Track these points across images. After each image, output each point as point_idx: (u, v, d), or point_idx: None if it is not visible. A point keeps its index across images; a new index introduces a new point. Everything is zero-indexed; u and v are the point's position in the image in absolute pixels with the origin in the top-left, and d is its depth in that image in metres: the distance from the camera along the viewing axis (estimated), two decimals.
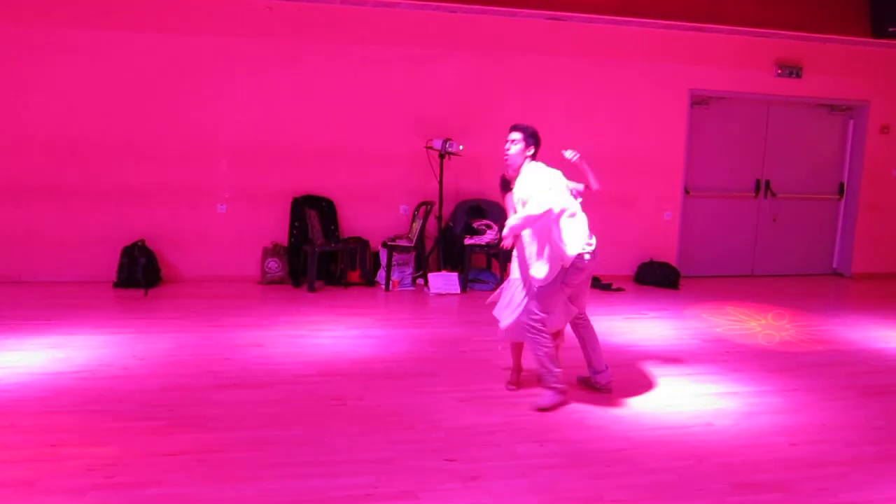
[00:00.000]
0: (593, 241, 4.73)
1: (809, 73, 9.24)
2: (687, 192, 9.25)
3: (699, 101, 9.18)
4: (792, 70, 9.16)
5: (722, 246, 9.59)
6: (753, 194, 9.59)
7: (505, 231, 4.61)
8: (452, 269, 8.17)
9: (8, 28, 7.35)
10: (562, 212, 4.61)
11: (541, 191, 4.58)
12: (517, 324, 4.82)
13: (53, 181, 7.60)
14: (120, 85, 7.63)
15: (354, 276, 8.12)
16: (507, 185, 4.91)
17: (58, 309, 6.62)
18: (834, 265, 10.05)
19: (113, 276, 7.61)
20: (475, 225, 8.17)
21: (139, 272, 7.49)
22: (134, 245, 7.62)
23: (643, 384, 5.27)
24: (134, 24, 7.57)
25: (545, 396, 4.76)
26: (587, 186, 4.98)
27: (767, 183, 9.60)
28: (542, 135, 4.80)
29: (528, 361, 5.05)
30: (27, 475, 3.57)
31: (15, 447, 3.88)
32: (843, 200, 9.94)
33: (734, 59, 9.02)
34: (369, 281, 8.17)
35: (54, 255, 7.66)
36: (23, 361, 5.19)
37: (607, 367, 5.05)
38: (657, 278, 8.81)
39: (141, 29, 7.59)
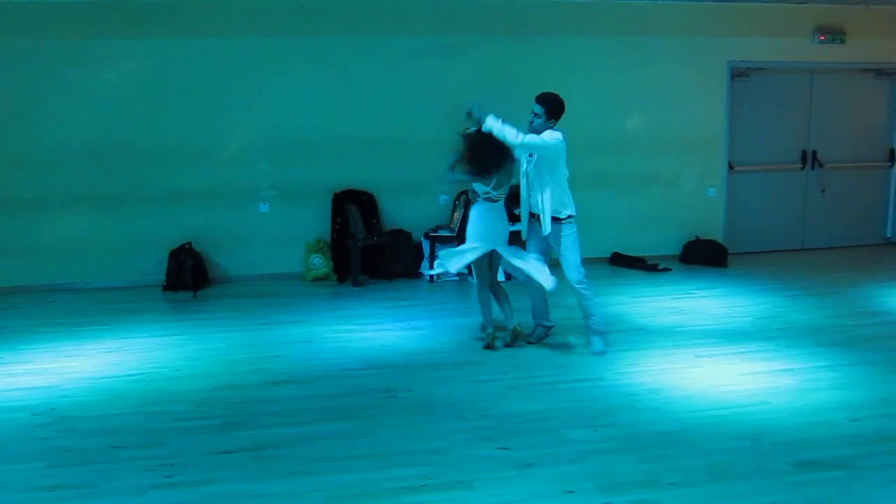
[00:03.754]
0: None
1: (853, 38, 8.96)
2: (731, 167, 9.06)
3: (739, 74, 8.96)
4: (835, 36, 8.90)
5: (770, 221, 9.36)
6: (800, 166, 9.35)
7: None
8: None
9: (52, 41, 7.48)
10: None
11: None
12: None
13: (100, 188, 7.74)
14: (160, 90, 7.71)
15: (398, 268, 8.14)
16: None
17: (111, 314, 6.75)
18: (888, 234, 9.77)
19: (162, 279, 7.74)
20: (515, 211, 8.09)
21: (187, 275, 7.59)
22: (181, 248, 7.73)
23: (695, 364, 5.19)
24: (170, 31, 7.65)
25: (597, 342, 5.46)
26: None
27: (814, 153, 9.35)
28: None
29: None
30: (89, 477, 3.66)
31: (76, 450, 3.97)
32: (893, 167, 9.65)
33: (774, 29, 8.78)
34: (413, 273, 8.18)
35: (105, 260, 7.80)
36: (80, 367, 5.31)
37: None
38: (704, 257, 8.65)
39: (178, 34, 7.67)
